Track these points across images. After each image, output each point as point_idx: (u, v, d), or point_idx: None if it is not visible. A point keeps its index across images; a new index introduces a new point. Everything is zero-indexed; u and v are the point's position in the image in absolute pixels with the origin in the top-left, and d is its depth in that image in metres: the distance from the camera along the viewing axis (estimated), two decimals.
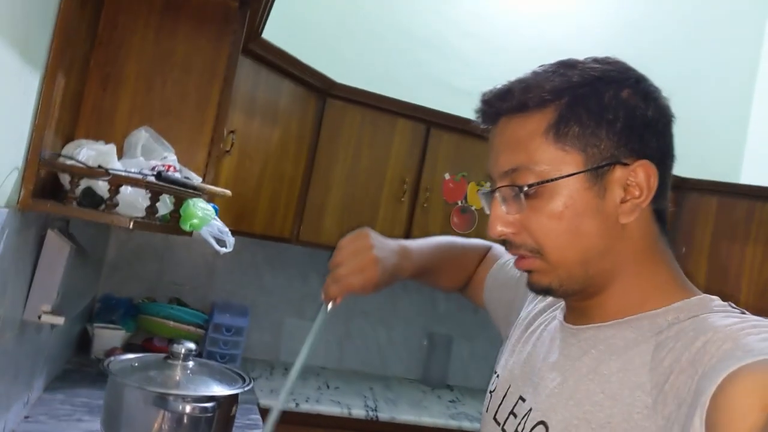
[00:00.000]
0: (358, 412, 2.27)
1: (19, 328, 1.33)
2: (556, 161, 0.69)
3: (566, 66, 0.72)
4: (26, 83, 1.14)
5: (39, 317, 1.36)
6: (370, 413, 2.28)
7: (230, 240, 1.56)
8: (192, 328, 2.40)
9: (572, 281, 0.72)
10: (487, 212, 0.76)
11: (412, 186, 2.55)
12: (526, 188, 0.70)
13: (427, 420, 2.35)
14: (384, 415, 2.29)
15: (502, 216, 0.73)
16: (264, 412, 2.07)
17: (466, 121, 2.70)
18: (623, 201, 0.70)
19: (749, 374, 0.50)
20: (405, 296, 2.92)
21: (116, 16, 1.51)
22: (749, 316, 0.63)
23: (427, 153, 2.56)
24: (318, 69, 2.37)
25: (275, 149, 2.30)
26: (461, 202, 2.62)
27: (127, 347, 2.30)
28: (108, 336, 2.23)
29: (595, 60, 0.73)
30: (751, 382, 0.49)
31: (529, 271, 0.75)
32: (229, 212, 2.12)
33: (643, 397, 0.62)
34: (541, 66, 0.74)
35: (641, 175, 0.69)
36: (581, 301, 0.75)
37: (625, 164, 0.69)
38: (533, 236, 0.71)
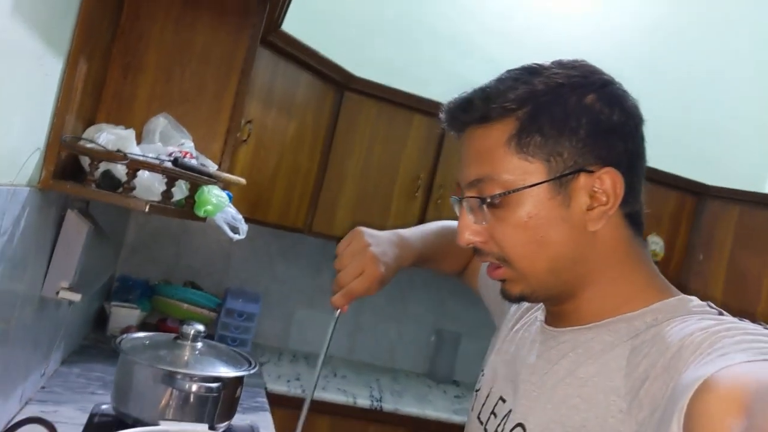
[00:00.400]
0: (363, 402, 2.31)
1: (38, 303, 1.39)
2: (519, 171, 0.69)
3: (530, 72, 0.71)
4: (49, 68, 1.19)
5: (57, 293, 1.41)
6: (375, 403, 2.32)
7: (243, 227, 1.61)
8: (205, 311, 2.47)
9: (543, 289, 0.73)
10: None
11: (426, 182, 2.57)
12: (489, 199, 0.70)
13: (430, 413, 2.38)
14: (388, 405, 2.33)
15: (470, 225, 0.73)
16: (271, 396, 2.13)
17: None
18: (590, 208, 0.69)
19: (724, 380, 0.50)
20: (414, 294, 2.96)
21: (138, 6, 1.56)
22: (726, 318, 0.63)
23: (443, 150, 2.58)
24: (337, 62, 2.41)
25: (291, 140, 2.34)
26: None
27: (142, 326, 2.37)
28: (124, 314, 2.29)
29: (561, 65, 0.72)
30: (726, 388, 0.49)
31: (501, 280, 0.76)
32: (244, 200, 2.17)
33: (617, 401, 0.62)
34: (507, 71, 0.73)
35: (607, 182, 0.69)
36: (557, 305, 0.76)
37: (591, 171, 0.69)
38: (500, 246, 0.72)
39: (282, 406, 2.13)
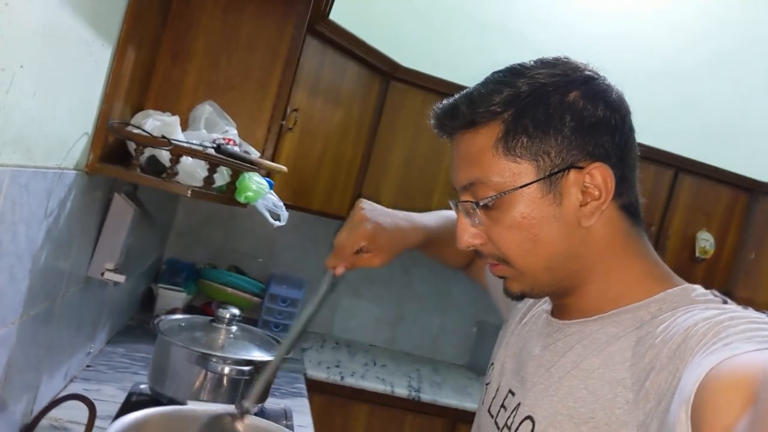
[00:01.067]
0: (401, 391, 2.32)
1: (83, 283, 1.44)
2: (509, 173, 0.70)
3: (514, 74, 0.72)
4: (98, 55, 1.22)
5: (102, 274, 1.46)
6: (413, 393, 2.32)
7: (284, 214, 1.62)
8: (248, 296, 2.51)
9: (541, 286, 0.75)
10: None
11: None
12: (481, 202, 0.72)
13: (469, 405, 2.37)
14: (426, 396, 2.33)
15: (468, 228, 0.75)
16: (310, 383, 2.15)
17: None
18: (583, 204, 0.70)
19: (730, 370, 0.50)
20: (457, 284, 2.93)
21: None
22: (730, 306, 0.63)
23: None
24: (383, 51, 2.39)
25: (337, 129, 2.35)
26: None
27: (188, 309, 2.43)
28: (170, 296, 2.36)
29: (543, 64, 0.73)
30: (732, 378, 0.49)
31: (503, 278, 0.77)
32: (288, 188, 2.19)
33: (624, 392, 0.63)
34: (492, 74, 0.75)
35: (597, 177, 0.70)
36: (560, 299, 0.78)
37: (580, 168, 0.70)
38: (497, 246, 0.73)
39: (320, 392, 2.15)
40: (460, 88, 2.45)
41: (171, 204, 2.59)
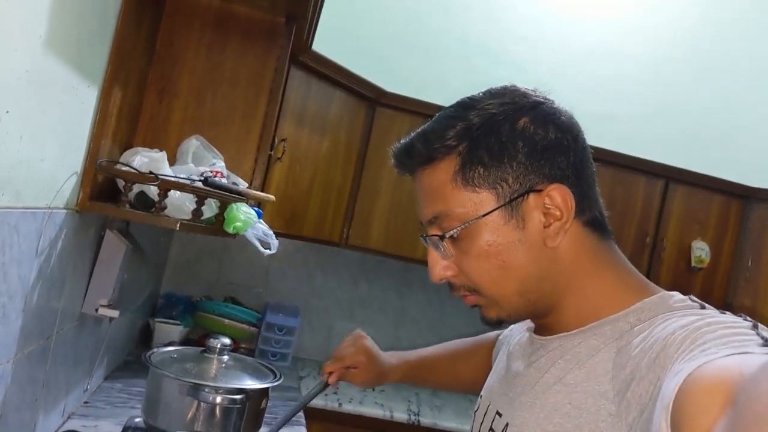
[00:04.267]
0: (400, 416, 2.32)
1: (78, 320, 1.46)
2: (470, 203, 0.72)
3: (464, 108, 0.75)
4: (84, 96, 1.25)
5: (96, 310, 1.48)
6: (412, 417, 2.32)
7: (274, 242, 1.64)
8: (246, 326, 2.52)
9: (516, 310, 0.76)
10: None
11: None
12: (447, 235, 0.73)
13: (469, 429, 2.36)
14: (426, 420, 2.33)
15: (439, 261, 0.76)
16: (308, 411, 2.15)
17: None
18: (547, 225, 0.72)
19: (707, 374, 0.51)
20: (452, 308, 2.94)
21: (172, 33, 1.62)
22: (708, 312, 0.64)
23: None
24: (370, 78, 2.44)
25: (325, 157, 2.39)
26: None
27: (185, 342, 2.44)
28: (167, 330, 2.37)
29: (492, 94, 0.75)
30: (709, 382, 0.50)
31: (476, 306, 0.78)
32: (279, 216, 2.22)
33: (606, 405, 0.63)
34: (443, 110, 0.77)
35: (557, 197, 0.71)
36: (538, 319, 0.80)
37: (539, 191, 0.71)
38: (468, 277, 0.75)
39: (318, 419, 2.15)
40: None
41: (165, 239, 2.62)
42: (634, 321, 0.68)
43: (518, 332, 0.92)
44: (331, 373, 1.21)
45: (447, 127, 0.74)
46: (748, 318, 0.59)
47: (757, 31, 3.16)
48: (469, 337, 1.24)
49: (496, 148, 0.72)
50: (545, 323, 0.78)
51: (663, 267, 2.60)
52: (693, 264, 2.67)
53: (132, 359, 2.19)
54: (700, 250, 2.68)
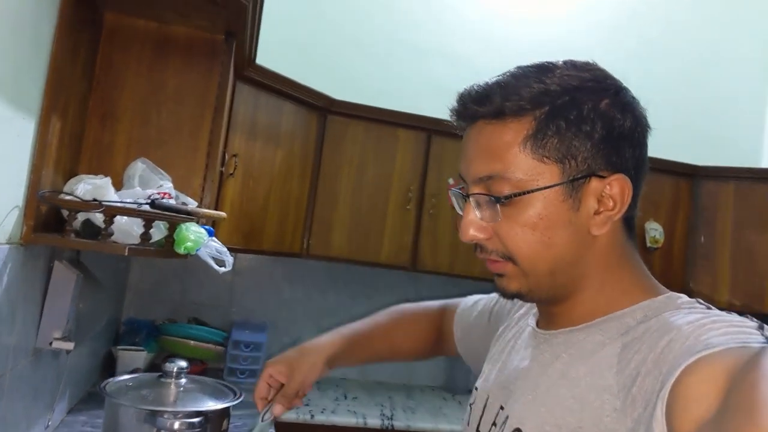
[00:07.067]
0: (374, 422, 2.32)
1: (32, 354, 1.42)
2: (532, 172, 0.69)
3: (544, 71, 0.71)
4: (20, 128, 1.23)
5: (50, 344, 1.45)
6: (386, 422, 2.32)
7: (229, 259, 1.63)
8: (212, 346, 2.49)
9: (540, 288, 0.73)
10: (459, 212, 0.76)
11: (417, 194, 2.59)
12: (503, 199, 0.69)
13: (444, 427, 2.38)
14: (399, 423, 2.34)
15: (475, 221, 0.72)
16: (279, 426, 2.14)
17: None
18: (597, 213, 0.70)
19: (705, 364, 0.51)
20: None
21: (111, 56, 1.60)
22: (713, 311, 0.64)
23: (430, 160, 2.61)
24: (321, 88, 2.45)
25: (280, 169, 2.38)
26: None
27: (151, 367, 2.40)
28: (131, 357, 2.33)
29: (574, 66, 0.72)
30: (706, 371, 0.51)
31: (498, 275, 0.75)
32: (237, 231, 2.20)
33: (611, 399, 0.63)
34: (519, 68, 0.72)
35: (616, 188, 0.70)
36: (550, 306, 0.77)
37: (602, 177, 0.69)
38: (505, 244, 0.71)
39: None
40: (398, 113, 2.50)
41: (124, 264, 2.58)
42: (640, 318, 0.68)
43: (513, 323, 0.90)
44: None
45: (526, 86, 0.69)
46: (754, 319, 0.59)
47: (700, 15, 3.26)
48: (407, 304, 1.21)
49: (575, 121, 0.68)
50: (554, 313, 0.76)
51: None
52: (648, 245, 2.73)
53: (96, 390, 2.15)
54: (654, 230, 2.75)
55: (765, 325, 0.58)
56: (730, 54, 3.28)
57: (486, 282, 2.87)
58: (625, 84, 0.74)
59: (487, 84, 0.72)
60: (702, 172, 2.80)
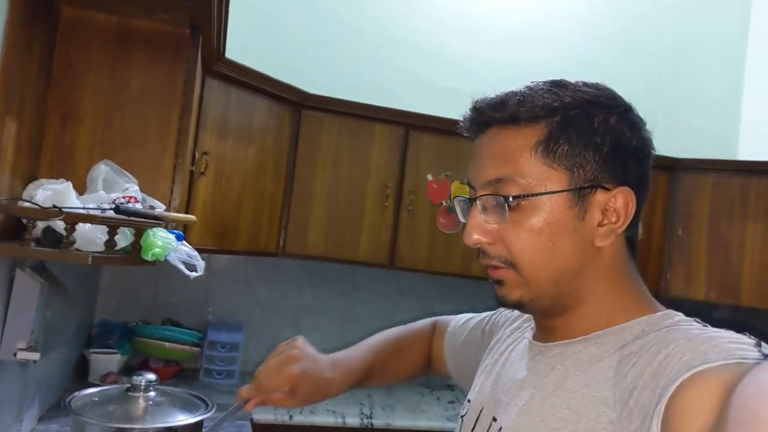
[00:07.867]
0: (353, 420, 2.29)
1: None
2: (542, 177, 0.71)
3: (558, 86, 0.74)
4: None
5: (15, 355, 1.39)
6: (365, 420, 2.30)
7: (200, 264, 1.58)
8: (187, 347, 2.44)
9: (542, 297, 0.73)
10: (463, 220, 0.78)
11: (395, 190, 2.55)
12: (511, 199, 0.71)
13: (422, 424, 2.36)
14: (379, 421, 2.31)
15: (481, 224, 0.74)
16: (257, 428, 2.10)
17: (446, 121, 2.65)
18: (600, 224, 0.71)
19: (702, 379, 0.52)
20: (401, 304, 2.93)
21: (68, 53, 1.54)
22: (710, 328, 0.64)
23: (408, 156, 2.56)
24: (294, 82, 2.39)
25: (253, 166, 2.32)
26: (446, 202, 2.61)
27: (125, 370, 2.35)
28: (104, 360, 2.27)
29: (586, 84, 0.75)
30: (703, 386, 0.51)
31: (499, 283, 0.75)
32: (210, 232, 2.15)
33: (607, 412, 0.63)
34: (533, 82, 0.75)
35: (620, 201, 0.71)
36: (549, 319, 0.77)
37: (607, 189, 0.71)
38: (509, 249, 0.72)
39: None
40: (373, 108, 2.45)
41: (93, 267, 2.51)
42: (638, 332, 0.68)
43: (506, 336, 0.91)
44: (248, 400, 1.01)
45: (541, 96, 0.72)
46: (752, 336, 0.59)
47: (678, 8, 3.24)
48: (396, 328, 1.21)
49: (586, 132, 0.71)
50: (553, 325, 0.77)
51: None
52: None
53: (68, 395, 2.09)
54: None
55: (762, 342, 0.58)
56: (705, 45, 3.27)
57: (464, 279, 2.83)
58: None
59: (502, 93, 0.75)
60: (680, 164, 2.79)
